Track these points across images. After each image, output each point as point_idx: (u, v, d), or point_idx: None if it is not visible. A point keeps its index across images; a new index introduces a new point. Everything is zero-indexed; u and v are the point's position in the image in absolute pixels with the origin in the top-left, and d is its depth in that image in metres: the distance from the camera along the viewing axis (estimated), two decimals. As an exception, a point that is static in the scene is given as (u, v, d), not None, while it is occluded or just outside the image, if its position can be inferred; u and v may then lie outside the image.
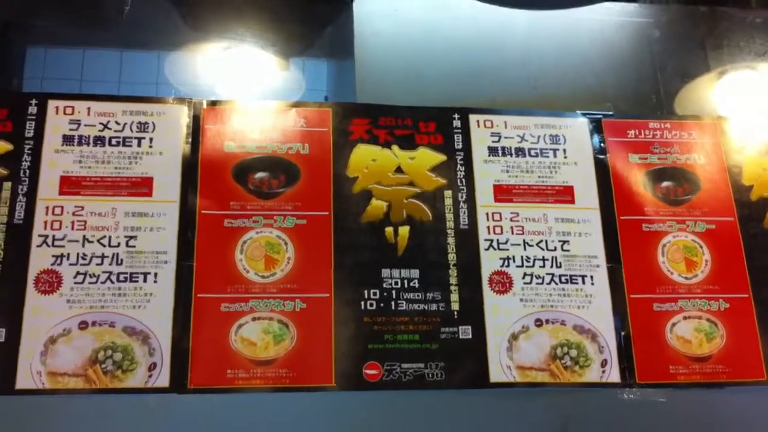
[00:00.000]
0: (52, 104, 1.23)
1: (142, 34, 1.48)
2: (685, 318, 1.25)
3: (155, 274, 1.15)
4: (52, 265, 1.14)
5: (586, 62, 1.52)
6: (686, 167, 1.36)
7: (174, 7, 1.52)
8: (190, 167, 1.23)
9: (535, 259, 1.26)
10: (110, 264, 1.15)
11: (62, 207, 1.17)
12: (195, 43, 1.46)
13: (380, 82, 1.42)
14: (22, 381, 1.08)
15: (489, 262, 1.25)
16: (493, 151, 1.32)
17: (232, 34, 1.47)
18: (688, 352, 1.23)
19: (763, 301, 1.28)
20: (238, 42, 1.46)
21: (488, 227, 1.27)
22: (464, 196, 1.28)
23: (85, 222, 1.17)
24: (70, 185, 1.19)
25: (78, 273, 1.14)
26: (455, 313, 1.21)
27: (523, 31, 1.55)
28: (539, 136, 1.35)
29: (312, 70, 1.49)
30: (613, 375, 1.21)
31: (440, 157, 1.31)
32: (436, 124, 1.33)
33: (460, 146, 1.32)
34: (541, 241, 1.27)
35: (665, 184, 1.34)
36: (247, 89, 1.41)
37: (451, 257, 1.24)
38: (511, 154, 1.33)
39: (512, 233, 1.27)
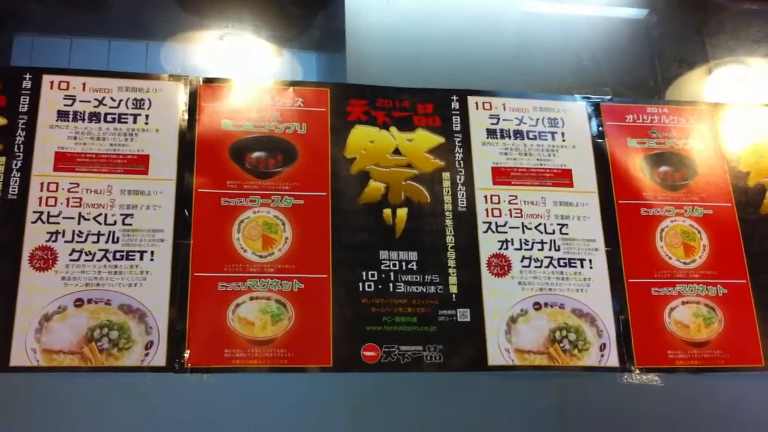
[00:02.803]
0: (46, 79, 1.21)
1: (129, 23, 1.46)
2: (683, 303, 1.25)
3: (152, 253, 1.14)
4: (47, 241, 1.12)
5: (584, 47, 1.51)
6: (684, 152, 1.36)
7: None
8: (186, 145, 1.21)
9: (533, 242, 1.25)
10: (106, 242, 1.14)
11: (57, 183, 1.15)
12: (184, 32, 1.44)
13: (372, 72, 1.40)
14: (17, 358, 1.06)
15: (487, 245, 1.24)
16: (491, 133, 1.32)
17: (221, 23, 1.45)
18: (687, 337, 1.23)
19: (761, 287, 1.28)
20: (228, 31, 1.45)
21: (486, 210, 1.26)
22: (462, 179, 1.27)
23: (81, 199, 1.15)
24: (64, 161, 1.17)
25: (74, 250, 1.12)
26: (453, 295, 1.20)
27: (520, 18, 1.55)
28: (538, 119, 1.34)
29: (303, 62, 1.47)
30: (612, 359, 1.20)
31: (438, 139, 1.30)
32: (434, 105, 1.32)
33: (458, 128, 1.31)
34: (540, 224, 1.27)
35: (663, 168, 1.34)
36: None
37: (450, 240, 1.23)
38: (509, 137, 1.32)
39: (510, 216, 1.26)
